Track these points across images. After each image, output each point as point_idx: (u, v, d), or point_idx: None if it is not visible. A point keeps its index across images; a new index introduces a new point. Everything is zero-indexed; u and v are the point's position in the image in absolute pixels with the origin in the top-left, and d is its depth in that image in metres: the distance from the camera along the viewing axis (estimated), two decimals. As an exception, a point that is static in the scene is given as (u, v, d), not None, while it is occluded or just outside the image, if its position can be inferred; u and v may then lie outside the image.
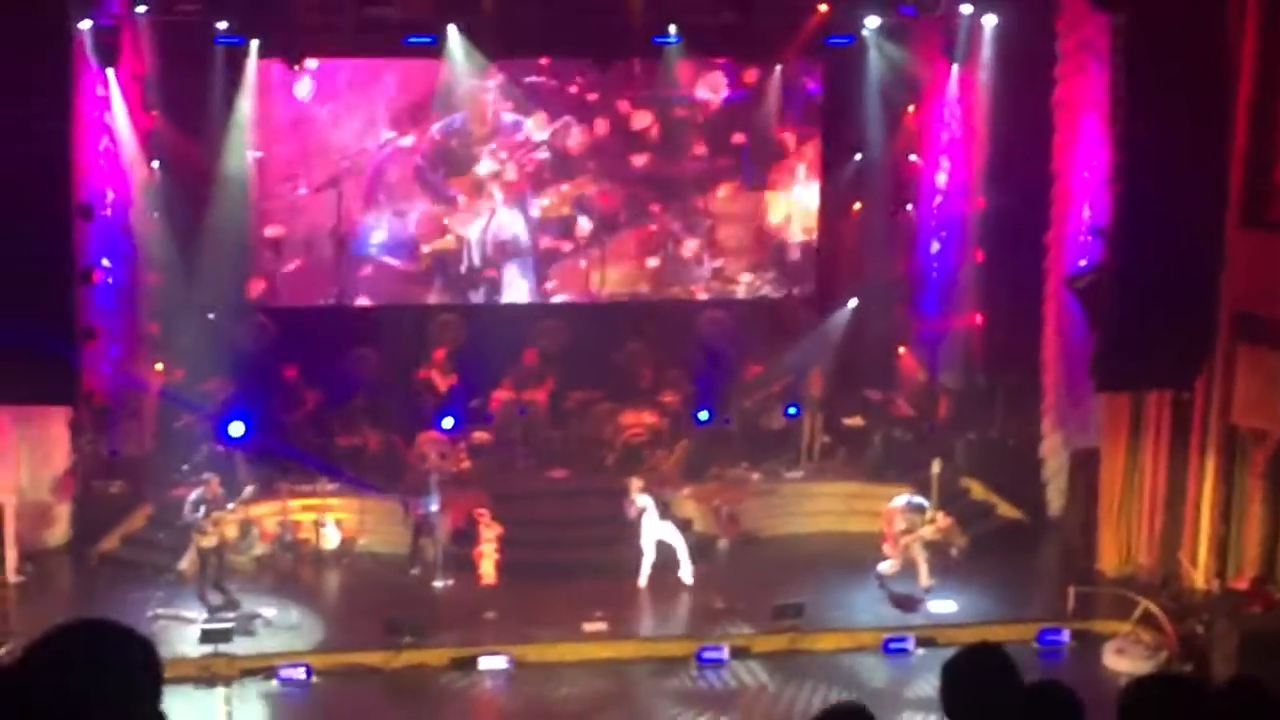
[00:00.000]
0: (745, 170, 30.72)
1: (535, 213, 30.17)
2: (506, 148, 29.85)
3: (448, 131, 29.59)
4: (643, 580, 24.43)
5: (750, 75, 30.16)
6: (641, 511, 24.41)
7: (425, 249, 29.95)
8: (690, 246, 30.68)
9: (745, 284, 31.12)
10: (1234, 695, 5.90)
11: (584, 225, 30.35)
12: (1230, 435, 22.94)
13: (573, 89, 29.76)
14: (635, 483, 24.75)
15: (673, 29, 28.12)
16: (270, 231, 29.43)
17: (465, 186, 29.89)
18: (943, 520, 24.33)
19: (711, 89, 30.07)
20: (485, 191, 29.92)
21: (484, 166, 29.81)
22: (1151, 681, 5.73)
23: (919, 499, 24.27)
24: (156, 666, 3.74)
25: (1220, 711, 5.67)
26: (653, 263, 30.72)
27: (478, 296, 30.41)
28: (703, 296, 31.02)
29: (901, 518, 24.01)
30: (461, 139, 29.68)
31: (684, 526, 25.40)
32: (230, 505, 23.83)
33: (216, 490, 23.52)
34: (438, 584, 24.67)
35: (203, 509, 23.27)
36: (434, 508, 25.05)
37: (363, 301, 29.96)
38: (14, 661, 3.60)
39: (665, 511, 24.79)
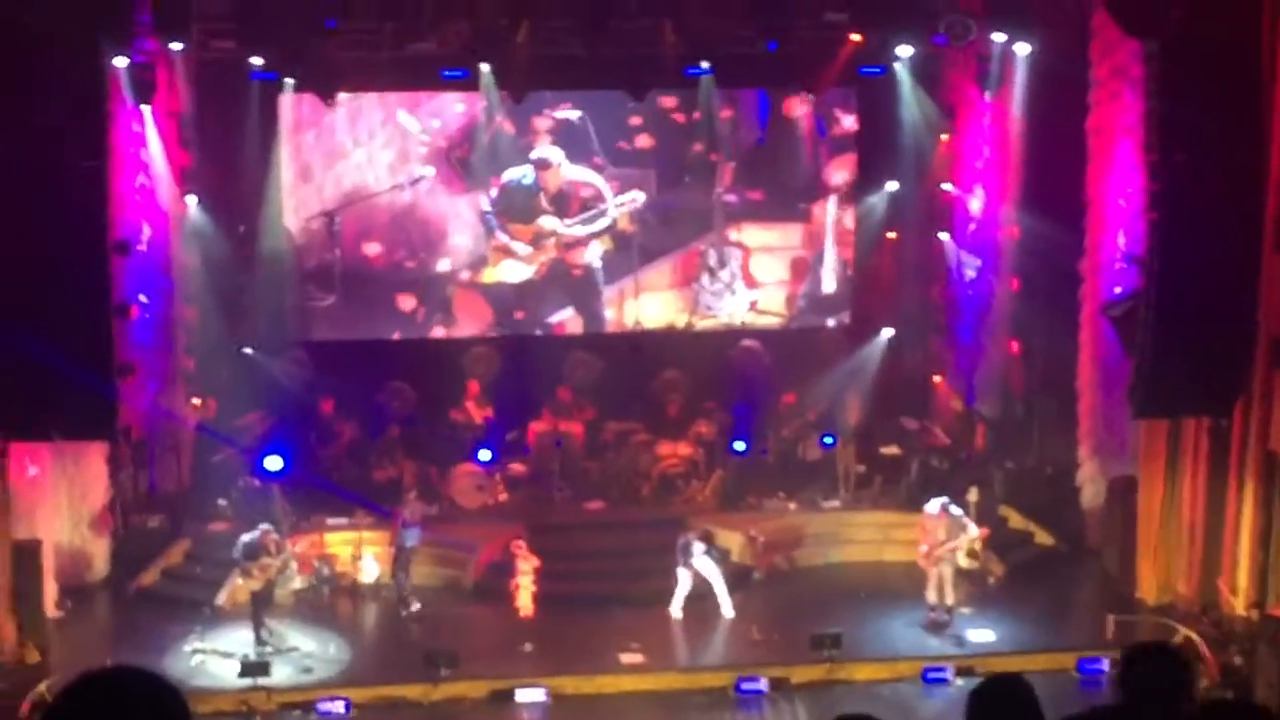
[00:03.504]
0: (781, 200, 30.72)
1: (589, 257, 30.34)
2: (565, 199, 30.03)
3: (515, 183, 29.78)
4: (676, 610, 24.41)
5: (785, 106, 30.26)
6: (690, 554, 24.39)
7: (469, 281, 30.13)
8: (725, 276, 30.66)
9: (780, 314, 31.11)
10: None
11: (620, 256, 30.41)
12: (1269, 461, 22.77)
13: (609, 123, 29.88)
14: (698, 531, 24.78)
15: (705, 63, 28.18)
16: (306, 266, 29.57)
17: (527, 236, 30.04)
18: (981, 531, 24.31)
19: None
20: (544, 246, 30.04)
21: (547, 221, 29.96)
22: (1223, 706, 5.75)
23: (954, 506, 24.17)
24: (183, 714, 3.73)
25: None
26: (687, 293, 30.74)
27: (516, 327, 30.48)
28: (738, 326, 31.00)
29: (940, 527, 23.92)
30: (527, 192, 29.87)
31: (722, 557, 25.35)
32: (280, 557, 23.90)
33: (270, 541, 23.58)
34: (404, 613, 24.82)
35: (253, 554, 23.36)
36: (411, 543, 25.06)
37: (398, 334, 30.04)
38: (44, 710, 3.61)
39: (709, 545, 24.71)
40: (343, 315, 29.81)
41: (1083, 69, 24.96)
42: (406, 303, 30.00)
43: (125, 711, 3.57)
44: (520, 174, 29.72)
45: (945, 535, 23.90)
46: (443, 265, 30.13)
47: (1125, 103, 23.64)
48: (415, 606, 24.89)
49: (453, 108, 29.45)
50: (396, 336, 30.13)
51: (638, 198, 29.89)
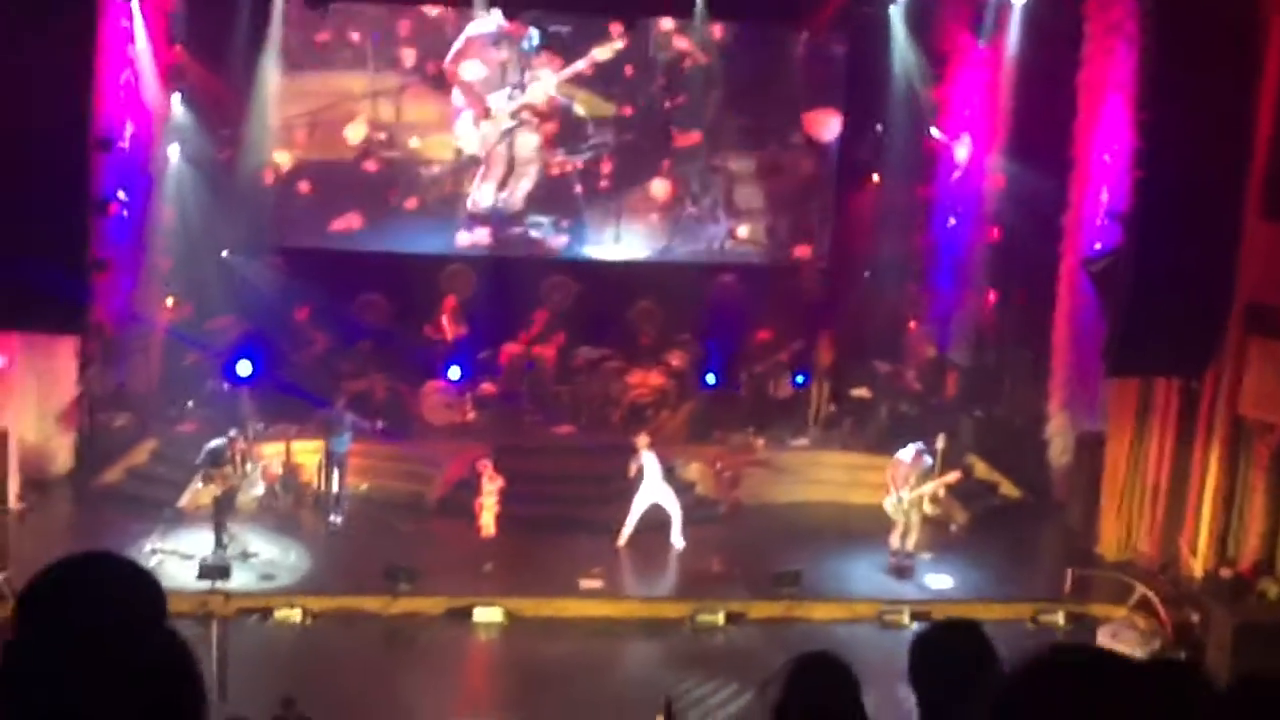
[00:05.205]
0: (766, 134, 30.65)
1: (555, 170, 30.21)
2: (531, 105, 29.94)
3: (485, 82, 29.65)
4: (622, 540, 24.37)
5: (776, 38, 30.13)
6: (641, 469, 24.32)
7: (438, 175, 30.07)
8: (706, 203, 30.60)
9: (760, 244, 31.08)
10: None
11: (601, 182, 30.31)
12: (1236, 426, 22.87)
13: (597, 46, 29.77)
14: (642, 439, 24.67)
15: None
16: (285, 166, 29.44)
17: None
18: (952, 476, 24.28)
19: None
20: (508, 141, 29.95)
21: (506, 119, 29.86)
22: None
23: (927, 453, 24.11)
24: (159, 597, 3.71)
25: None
26: (667, 220, 30.67)
27: (495, 247, 30.40)
28: (716, 260, 30.97)
29: (913, 473, 23.89)
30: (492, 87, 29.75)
31: (686, 489, 25.38)
32: (245, 466, 23.93)
33: (237, 448, 23.59)
34: (334, 519, 25.02)
35: (218, 461, 23.31)
36: (340, 450, 25.11)
37: (375, 246, 29.91)
38: (15, 597, 3.58)
39: (669, 474, 24.70)
40: (321, 215, 29.75)
41: (1077, 22, 24.84)
42: (397, 200, 30.11)
43: (104, 592, 3.55)
44: (505, 93, 29.64)
45: (916, 481, 23.92)
46: (430, 171, 30.07)
47: (1118, 58, 23.56)
48: (338, 518, 25.02)
49: (443, 21, 29.31)
50: (369, 248, 30.05)
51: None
